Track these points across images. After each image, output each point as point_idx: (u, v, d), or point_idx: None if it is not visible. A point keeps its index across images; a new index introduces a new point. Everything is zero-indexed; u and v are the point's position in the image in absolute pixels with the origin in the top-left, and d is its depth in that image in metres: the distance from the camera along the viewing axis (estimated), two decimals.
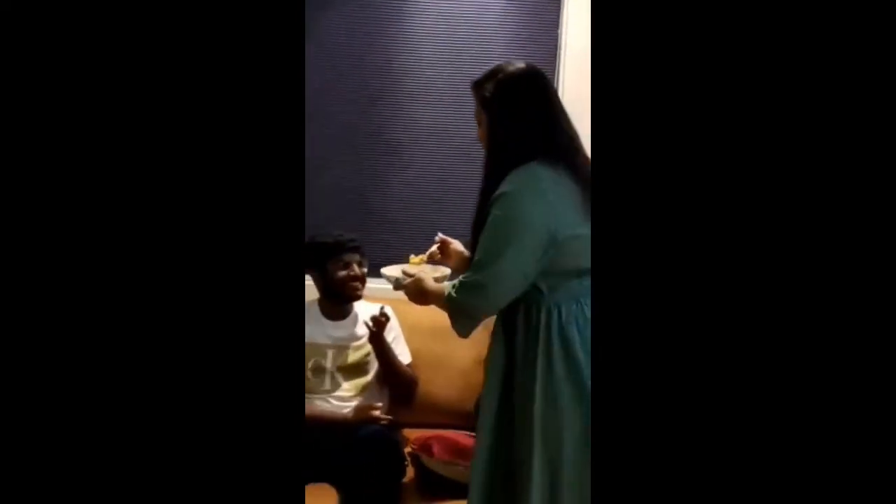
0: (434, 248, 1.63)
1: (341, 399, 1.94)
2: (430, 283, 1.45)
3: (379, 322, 1.91)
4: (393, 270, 1.68)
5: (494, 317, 1.41)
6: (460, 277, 1.35)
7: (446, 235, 1.63)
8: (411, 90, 2.29)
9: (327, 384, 1.95)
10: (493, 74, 1.37)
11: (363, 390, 1.97)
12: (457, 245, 1.61)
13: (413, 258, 1.71)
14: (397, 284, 1.55)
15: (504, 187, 1.27)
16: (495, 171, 1.32)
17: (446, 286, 1.39)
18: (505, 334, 1.37)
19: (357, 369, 1.99)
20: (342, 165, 2.32)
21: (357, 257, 2.00)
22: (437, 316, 1.51)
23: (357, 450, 1.73)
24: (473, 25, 2.26)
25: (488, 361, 1.41)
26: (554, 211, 1.24)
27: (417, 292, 1.46)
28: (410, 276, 1.52)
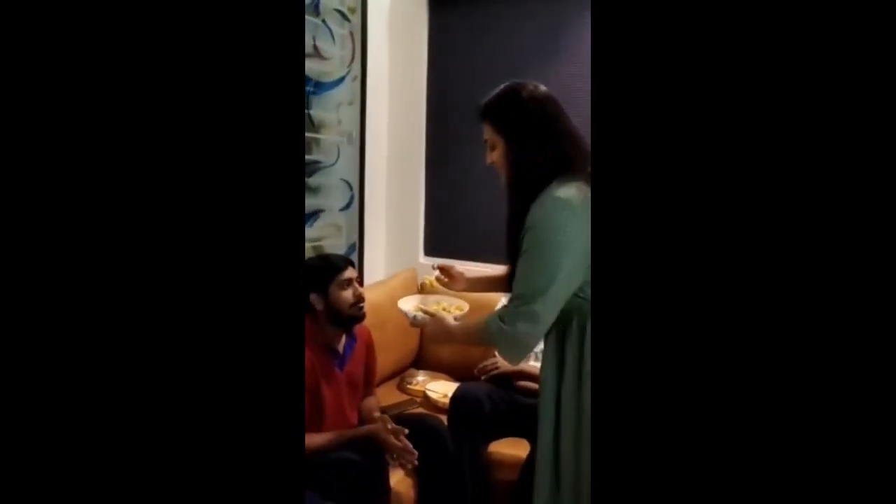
0: (434, 276, 1.69)
1: None
2: (453, 323, 1.46)
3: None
4: (409, 304, 1.66)
5: None
6: (502, 309, 1.33)
7: None
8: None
9: None
10: (507, 97, 1.36)
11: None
12: (458, 268, 1.67)
13: (427, 279, 1.81)
14: (414, 322, 1.54)
15: (536, 213, 1.27)
16: (521, 196, 1.33)
17: (484, 320, 1.35)
18: (557, 343, 1.38)
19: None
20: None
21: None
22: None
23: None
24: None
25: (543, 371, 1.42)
26: (586, 224, 1.21)
27: (440, 332, 1.48)
28: (429, 313, 1.58)
